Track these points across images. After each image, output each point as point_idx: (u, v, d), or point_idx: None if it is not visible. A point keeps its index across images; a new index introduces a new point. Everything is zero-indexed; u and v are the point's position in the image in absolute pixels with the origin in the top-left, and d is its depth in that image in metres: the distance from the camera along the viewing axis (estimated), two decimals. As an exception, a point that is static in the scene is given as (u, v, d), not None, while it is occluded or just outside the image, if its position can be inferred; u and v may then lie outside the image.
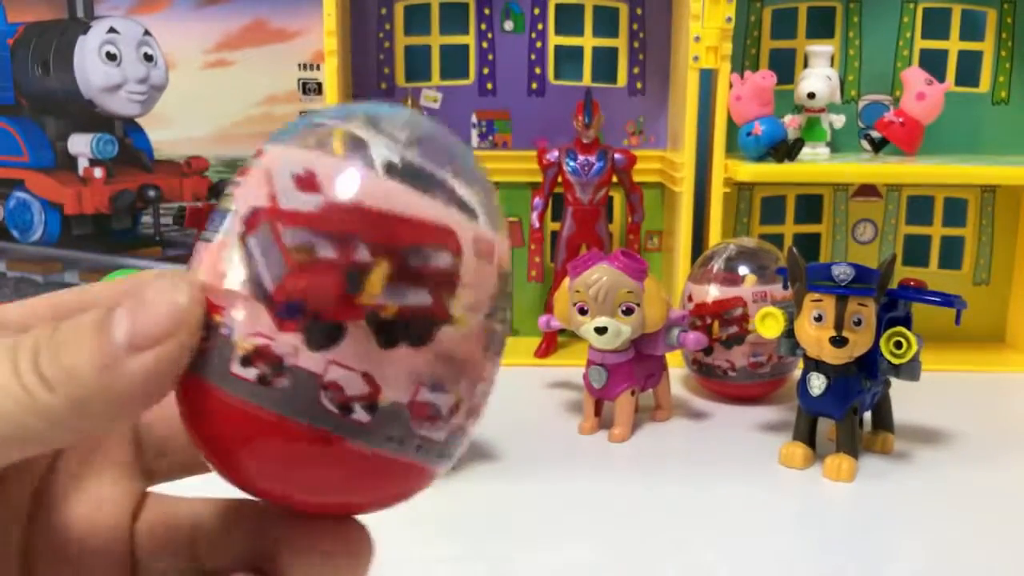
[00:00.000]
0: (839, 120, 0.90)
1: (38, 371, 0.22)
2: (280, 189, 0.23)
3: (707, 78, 0.86)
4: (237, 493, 0.26)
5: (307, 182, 0.23)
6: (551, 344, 0.90)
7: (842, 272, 0.59)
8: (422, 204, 0.24)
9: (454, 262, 0.24)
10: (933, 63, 0.92)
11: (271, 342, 0.22)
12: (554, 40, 0.93)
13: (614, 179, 0.89)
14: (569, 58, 0.94)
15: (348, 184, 0.23)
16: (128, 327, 0.22)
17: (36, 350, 0.23)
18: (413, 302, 0.23)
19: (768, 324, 0.65)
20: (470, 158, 0.26)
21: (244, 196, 0.23)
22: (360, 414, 0.23)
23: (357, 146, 0.24)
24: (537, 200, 0.90)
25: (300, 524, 0.27)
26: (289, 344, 0.22)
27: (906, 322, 0.64)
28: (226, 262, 0.23)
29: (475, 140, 0.94)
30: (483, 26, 0.93)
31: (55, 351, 0.22)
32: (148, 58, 0.87)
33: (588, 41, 0.94)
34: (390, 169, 0.24)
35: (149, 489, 0.31)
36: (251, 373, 0.22)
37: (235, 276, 0.23)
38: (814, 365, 0.63)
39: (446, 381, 0.24)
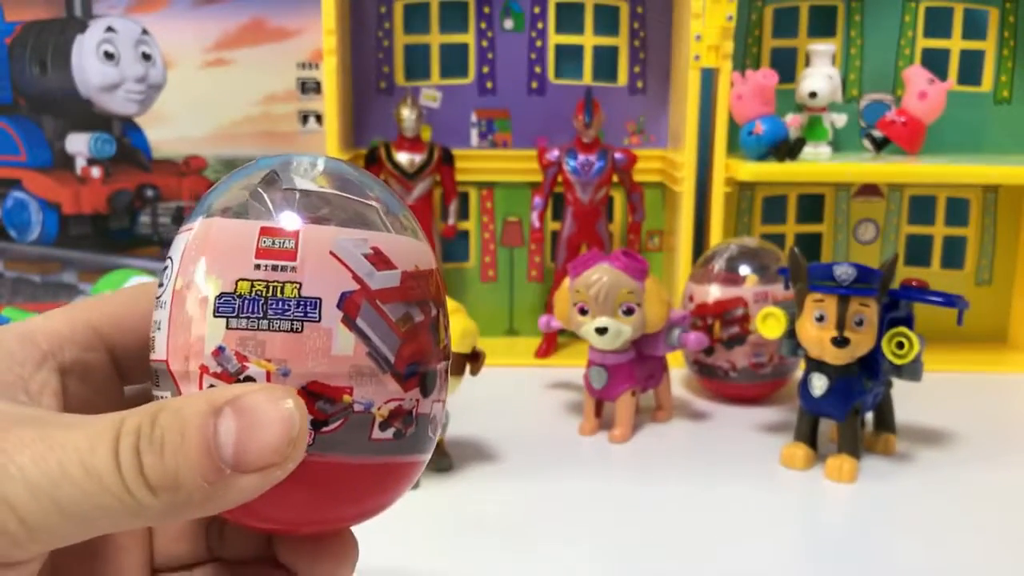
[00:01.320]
0: (841, 119, 0.89)
1: (141, 472, 0.23)
2: (361, 272, 0.26)
3: (708, 77, 0.86)
4: None
5: (379, 260, 0.26)
6: (551, 344, 0.90)
7: (844, 272, 0.59)
8: (424, 251, 0.28)
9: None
10: (935, 62, 0.91)
11: (401, 402, 0.26)
12: (554, 39, 0.93)
13: (615, 178, 0.88)
14: (569, 57, 0.94)
15: (409, 254, 0.27)
16: (236, 446, 0.23)
17: (138, 446, 0.23)
18: (447, 335, 0.29)
19: (769, 324, 0.65)
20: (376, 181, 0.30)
21: (318, 284, 0.25)
22: (438, 434, 0.29)
23: (379, 215, 0.27)
24: (537, 199, 0.89)
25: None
26: (413, 399, 0.27)
27: (908, 322, 0.63)
28: (340, 348, 0.25)
29: (475, 139, 0.94)
30: (483, 25, 0.92)
31: (159, 452, 0.23)
32: (146, 57, 0.86)
33: (588, 40, 0.93)
34: (391, 224, 0.27)
35: None
36: (389, 433, 0.26)
37: (357, 358, 0.25)
38: (816, 365, 0.63)
39: None
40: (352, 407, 0.25)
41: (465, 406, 0.64)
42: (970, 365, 0.87)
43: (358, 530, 0.31)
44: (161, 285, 0.27)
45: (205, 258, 0.26)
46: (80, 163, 0.87)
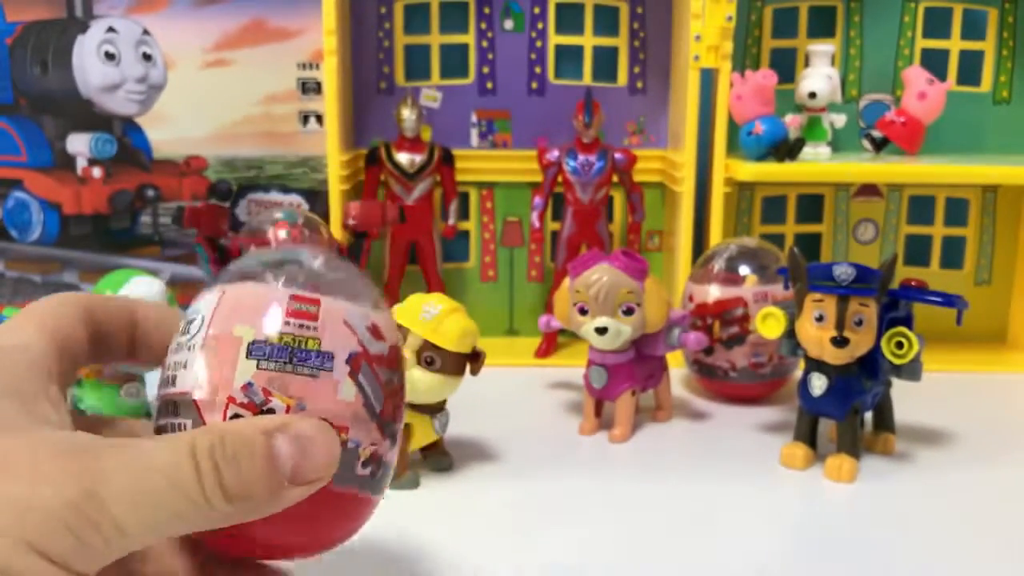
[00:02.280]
0: (840, 119, 0.89)
1: (220, 482, 0.28)
2: (364, 339, 0.33)
3: (708, 77, 0.86)
4: None
5: (376, 332, 0.33)
6: (551, 344, 0.90)
7: (843, 272, 0.59)
8: (396, 327, 0.35)
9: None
10: (934, 62, 0.91)
11: (379, 447, 0.33)
12: (554, 39, 0.93)
13: (615, 179, 0.88)
14: (569, 57, 0.94)
15: (391, 331, 0.34)
16: (295, 465, 0.29)
17: (214, 461, 0.28)
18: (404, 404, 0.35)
19: (769, 324, 0.65)
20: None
21: (334, 342, 0.32)
22: (388, 481, 0.34)
23: (372, 300, 0.34)
24: (537, 200, 0.89)
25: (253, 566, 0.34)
26: (385, 447, 0.33)
27: (907, 322, 0.64)
28: (344, 394, 0.31)
29: (475, 139, 0.94)
30: (483, 25, 0.92)
31: (236, 468, 0.28)
32: (147, 57, 0.86)
33: (588, 40, 0.93)
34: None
35: None
36: (368, 471, 0.32)
37: (355, 406, 0.32)
38: (815, 365, 0.63)
39: None
40: (347, 444, 0.31)
41: (465, 406, 0.64)
42: (969, 365, 0.87)
43: (361, 529, 0.32)
44: (187, 332, 0.33)
45: (240, 311, 0.32)
46: (81, 163, 0.87)
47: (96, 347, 0.35)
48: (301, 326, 0.32)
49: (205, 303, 0.33)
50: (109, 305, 0.36)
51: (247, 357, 0.31)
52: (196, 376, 0.31)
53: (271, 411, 0.30)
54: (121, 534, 0.27)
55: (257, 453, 0.29)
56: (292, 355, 0.31)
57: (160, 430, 0.32)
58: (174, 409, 0.32)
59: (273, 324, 0.32)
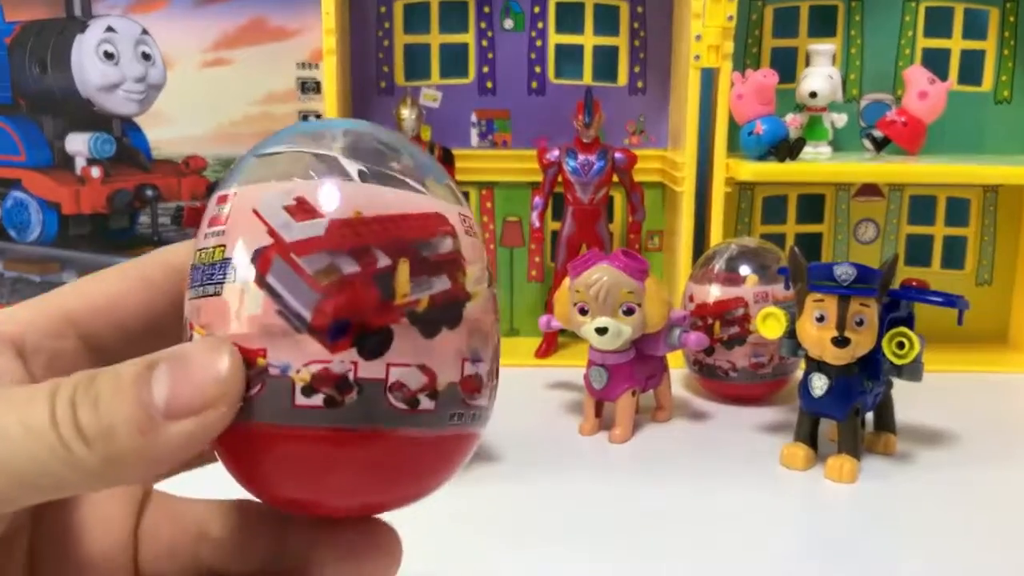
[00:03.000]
0: (841, 119, 0.89)
1: (76, 423, 0.23)
2: (278, 224, 0.24)
3: (708, 77, 0.86)
4: (242, 494, 0.27)
5: (302, 209, 0.24)
6: (551, 344, 0.90)
7: (844, 272, 0.59)
8: (408, 199, 0.25)
9: (455, 243, 0.25)
10: (935, 62, 0.91)
11: (328, 364, 0.23)
12: (554, 39, 0.93)
13: (615, 178, 0.88)
14: (569, 57, 0.94)
15: (341, 199, 0.24)
16: (168, 393, 0.23)
17: (74, 400, 0.23)
18: (438, 289, 0.25)
19: (770, 324, 0.65)
20: (413, 146, 0.28)
21: (238, 242, 0.24)
22: (426, 403, 0.25)
23: (326, 163, 0.25)
24: (537, 199, 0.89)
25: (330, 528, 0.28)
26: (347, 361, 0.24)
27: (908, 322, 0.63)
28: (249, 307, 0.24)
29: (475, 139, 0.94)
30: (483, 24, 0.92)
31: (93, 404, 0.23)
32: (146, 57, 0.86)
33: (588, 40, 0.93)
34: (364, 175, 0.25)
35: (155, 487, 0.31)
36: (317, 399, 0.24)
37: (266, 317, 0.23)
38: (816, 366, 0.63)
39: (480, 351, 0.26)
40: (268, 370, 0.24)
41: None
42: (970, 365, 0.87)
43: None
44: None
45: (200, 231, 0.26)
46: (80, 163, 0.87)
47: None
48: (215, 234, 0.25)
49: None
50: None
51: (189, 287, 0.26)
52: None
53: None
54: None
55: (122, 388, 0.23)
56: (204, 274, 0.25)
57: None
58: None
59: (199, 240, 0.26)
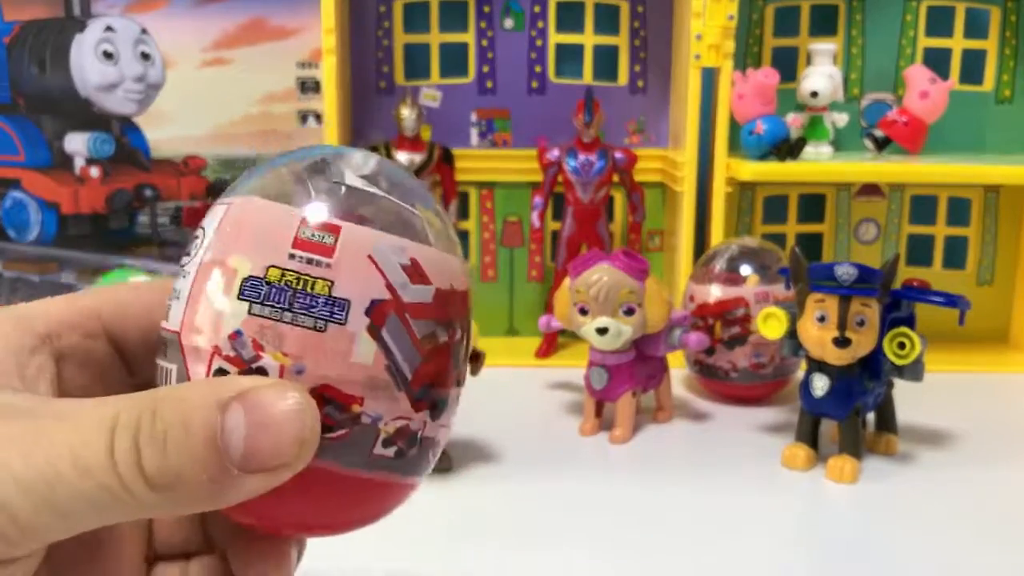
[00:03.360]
0: (842, 119, 0.89)
1: (139, 464, 0.22)
2: (396, 282, 0.25)
3: (709, 76, 0.85)
4: None
5: (416, 273, 0.25)
6: (551, 345, 0.89)
7: (845, 272, 0.59)
8: (457, 267, 0.27)
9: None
10: (937, 61, 0.91)
11: (410, 422, 0.26)
12: (554, 38, 0.93)
13: (615, 178, 0.88)
14: (570, 56, 0.93)
15: (445, 271, 0.26)
16: (246, 447, 0.22)
17: (137, 440, 0.22)
18: (466, 362, 0.28)
19: (770, 325, 0.65)
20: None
21: (352, 285, 0.24)
22: (434, 460, 0.28)
23: (425, 225, 0.26)
24: (537, 199, 0.89)
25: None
26: (421, 420, 0.26)
27: (909, 322, 0.63)
28: (360, 355, 0.24)
29: (475, 139, 0.94)
30: (483, 24, 0.92)
31: (161, 448, 0.22)
32: (145, 56, 0.86)
33: (589, 39, 0.93)
34: (439, 239, 0.26)
35: None
36: (391, 451, 0.25)
37: (375, 369, 0.24)
38: (817, 366, 0.63)
39: None
40: (360, 418, 0.25)
41: (465, 406, 0.63)
42: (972, 365, 0.87)
43: (358, 530, 0.30)
44: (188, 254, 0.26)
45: (240, 235, 0.25)
46: (79, 163, 0.87)
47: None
48: (309, 262, 0.24)
49: (211, 216, 0.26)
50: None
51: (239, 297, 0.24)
52: (184, 312, 0.25)
53: (261, 370, 0.24)
54: (18, 529, 0.22)
55: (194, 430, 0.22)
56: (293, 300, 0.24)
57: (154, 369, 0.27)
58: (164, 348, 0.26)
59: (274, 255, 0.24)
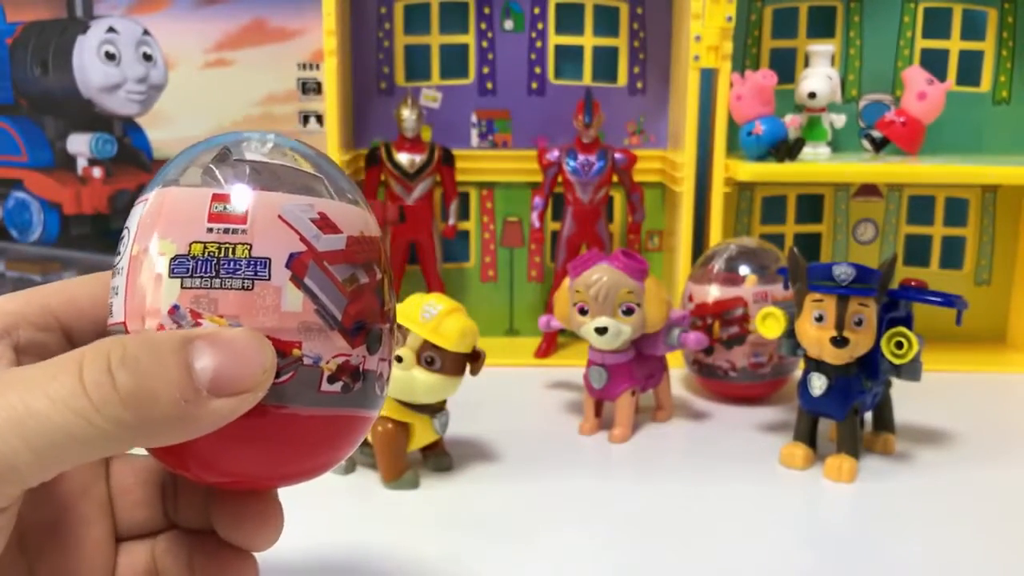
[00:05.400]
0: (840, 120, 0.89)
1: (113, 386, 0.24)
2: (309, 235, 0.28)
3: (708, 77, 0.86)
4: None
5: (325, 224, 0.28)
6: (551, 344, 0.90)
7: (843, 272, 0.59)
8: (368, 218, 0.30)
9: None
10: (934, 63, 0.92)
11: (349, 357, 0.28)
12: (554, 39, 0.93)
13: (614, 179, 0.88)
14: (569, 57, 0.94)
15: (354, 220, 0.29)
16: (215, 370, 0.25)
17: (109, 364, 0.24)
18: (393, 299, 0.31)
19: (769, 324, 0.65)
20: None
21: (267, 244, 0.27)
22: (385, 390, 0.31)
23: (325, 185, 0.29)
24: (537, 200, 0.89)
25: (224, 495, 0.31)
26: (359, 355, 0.29)
27: (907, 322, 0.64)
28: (289, 304, 0.27)
29: (475, 140, 0.94)
30: (483, 25, 0.92)
31: (133, 368, 0.24)
32: (147, 58, 0.86)
33: (588, 40, 0.94)
34: (341, 195, 0.29)
35: None
36: (337, 386, 0.28)
37: (305, 315, 0.27)
38: (815, 365, 0.63)
39: None
40: (302, 360, 0.27)
41: (465, 406, 0.64)
42: (969, 365, 0.87)
43: (356, 528, 0.31)
44: (119, 254, 0.29)
45: (160, 224, 0.28)
46: (81, 163, 0.88)
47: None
48: (226, 231, 0.27)
49: (133, 215, 0.29)
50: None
51: (170, 276, 0.27)
52: (125, 303, 0.28)
53: None
54: (11, 467, 0.23)
55: (165, 355, 0.24)
56: (218, 267, 0.27)
57: None
58: None
59: (193, 233, 0.27)
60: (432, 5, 0.92)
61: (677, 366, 0.81)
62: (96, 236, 0.88)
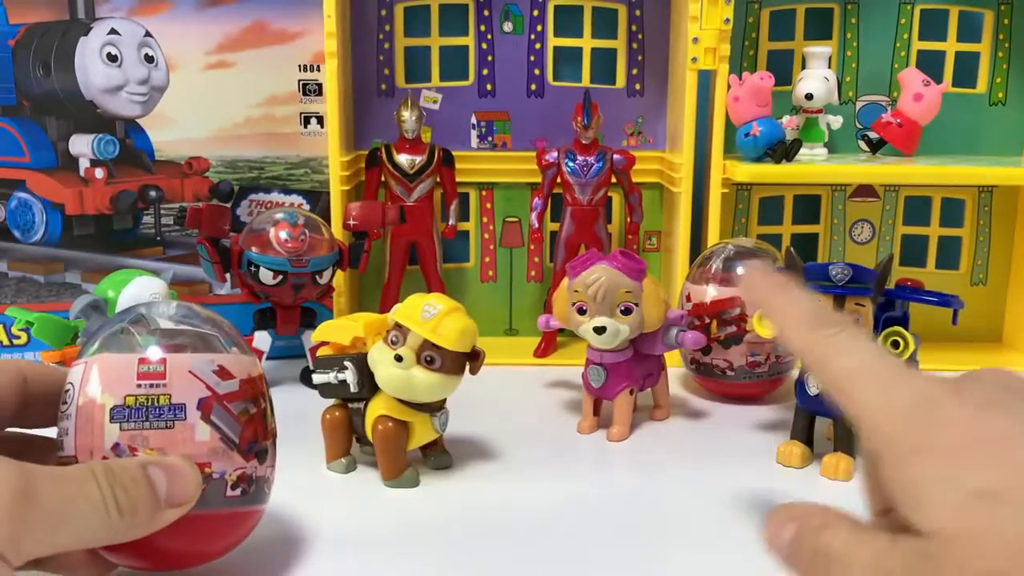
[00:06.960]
0: (837, 121, 0.90)
1: (115, 499, 0.36)
2: (211, 383, 0.40)
3: (705, 79, 0.86)
4: None
5: (224, 373, 0.41)
6: (550, 344, 0.90)
7: (839, 272, 0.60)
8: (253, 362, 0.44)
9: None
10: (930, 64, 0.92)
11: (245, 469, 0.41)
12: (553, 41, 0.94)
13: (613, 179, 0.89)
14: (568, 59, 0.94)
15: (241, 368, 0.42)
16: (168, 490, 0.38)
17: (109, 483, 0.36)
18: (273, 421, 0.45)
19: (766, 324, 0.65)
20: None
21: (183, 393, 0.39)
22: (270, 491, 0.45)
23: (219, 341, 0.42)
24: (536, 200, 0.90)
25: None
26: (253, 467, 0.42)
27: (903, 322, 0.64)
28: (200, 436, 0.39)
29: (474, 141, 0.95)
30: (482, 27, 0.93)
31: (122, 488, 0.36)
32: (149, 59, 0.87)
33: (587, 42, 0.94)
34: (230, 346, 0.43)
35: None
36: (238, 491, 0.41)
37: (212, 442, 0.40)
38: (811, 364, 0.63)
39: None
40: (212, 476, 0.40)
41: (465, 405, 0.64)
42: (965, 365, 0.86)
43: (356, 525, 0.32)
44: (65, 403, 0.40)
45: (100, 381, 0.39)
46: (84, 164, 0.88)
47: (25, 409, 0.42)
48: (152, 385, 0.39)
49: (75, 374, 0.40)
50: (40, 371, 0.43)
51: (110, 421, 0.38)
52: (75, 442, 0.39)
53: None
54: (50, 533, 0.33)
55: (138, 479, 0.37)
56: (147, 413, 0.39)
57: None
58: None
59: (127, 388, 0.39)
60: (432, 7, 0.93)
61: (675, 365, 0.81)
62: (98, 237, 0.89)
